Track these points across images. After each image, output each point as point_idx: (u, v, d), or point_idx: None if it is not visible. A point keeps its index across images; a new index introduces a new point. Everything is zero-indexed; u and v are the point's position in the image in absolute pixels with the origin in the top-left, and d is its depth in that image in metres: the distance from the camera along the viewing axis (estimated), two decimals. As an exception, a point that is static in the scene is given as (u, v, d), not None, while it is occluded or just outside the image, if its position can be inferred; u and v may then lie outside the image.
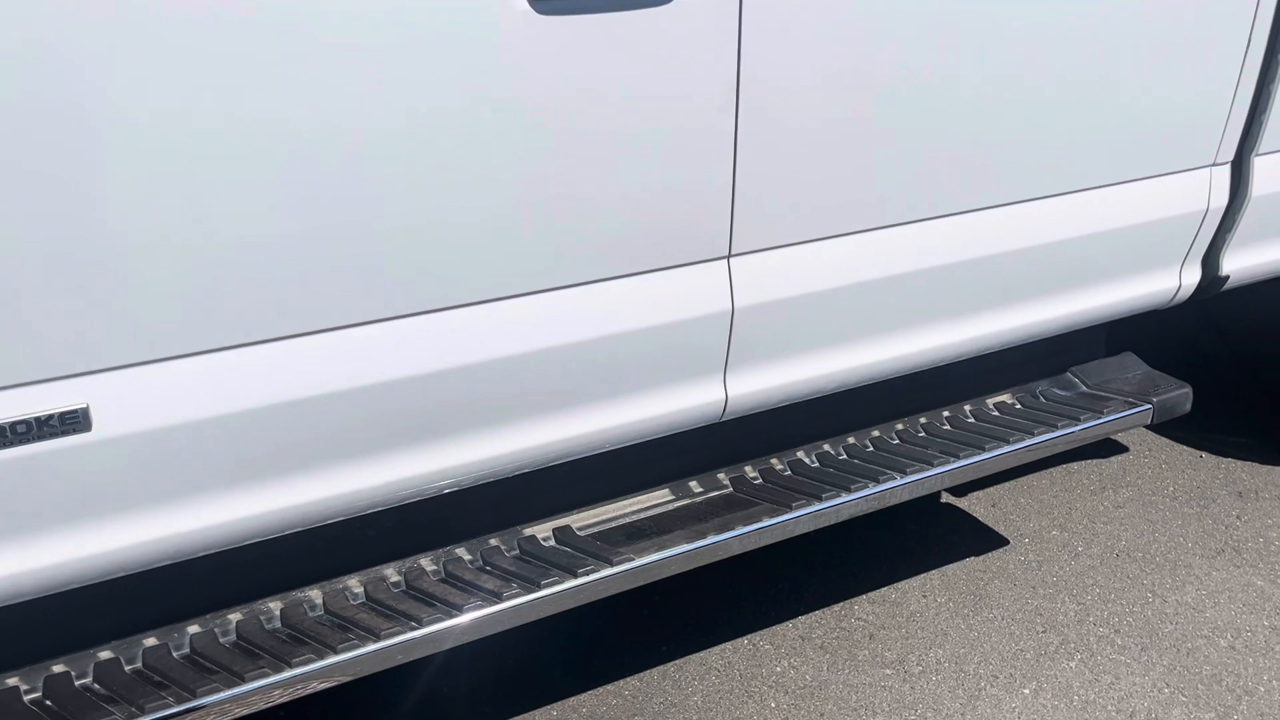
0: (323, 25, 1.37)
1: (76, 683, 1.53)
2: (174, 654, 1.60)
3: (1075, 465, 3.11)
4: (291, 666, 1.56)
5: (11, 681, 1.53)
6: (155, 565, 1.47)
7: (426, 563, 1.84)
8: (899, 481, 2.13)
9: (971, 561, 2.70)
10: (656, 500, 2.10)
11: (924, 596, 2.57)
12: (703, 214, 1.77)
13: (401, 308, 1.56)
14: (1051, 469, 3.09)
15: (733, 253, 1.83)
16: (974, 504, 2.95)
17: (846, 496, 2.07)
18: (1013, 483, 3.03)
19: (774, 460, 2.19)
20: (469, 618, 1.72)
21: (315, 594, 1.75)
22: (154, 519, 1.42)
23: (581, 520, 2.00)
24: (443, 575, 1.83)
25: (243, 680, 1.54)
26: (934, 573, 2.65)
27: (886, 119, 1.88)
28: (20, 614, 1.45)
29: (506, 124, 1.53)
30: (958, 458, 2.20)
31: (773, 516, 2.01)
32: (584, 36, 1.54)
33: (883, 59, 1.83)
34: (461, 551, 1.88)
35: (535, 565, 1.86)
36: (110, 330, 1.34)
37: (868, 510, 2.12)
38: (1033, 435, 2.29)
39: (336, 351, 1.50)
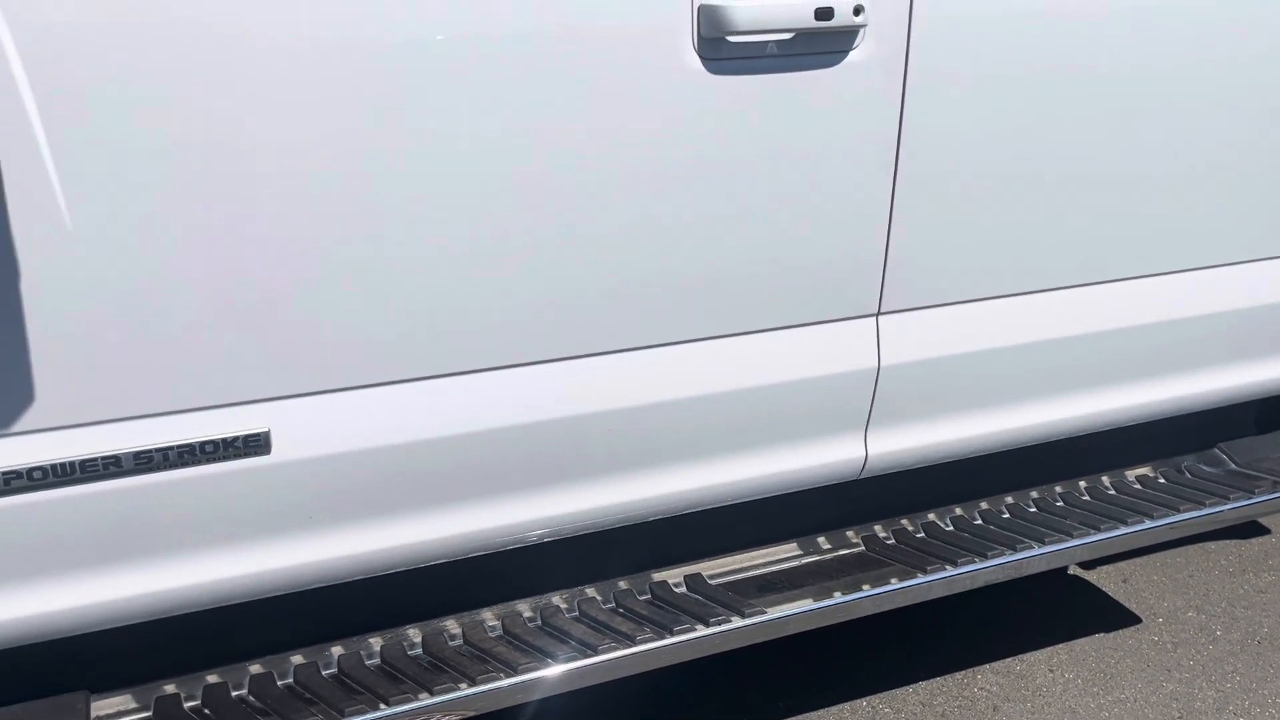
0: (505, 75, 1.43)
1: (233, 693, 1.59)
2: (322, 673, 1.66)
3: (1213, 544, 2.98)
4: (433, 694, 1.60)
5: (170, 689, 1.60)
6: (320, 584, 1.54)
7: (559, 600, 1.87)
8: (1036, 551, 2.08)
9: (1101, 638, 2.61)
10: (785, 554, 2.09)
11: (1050, 671, 2.49)
12: (854, 271, 1.78)
13: (560, 351, 1.60)
14: (1187, 547, 2.97)
15: (881, 310, 1.83)
16: (1103, 578, 2.85)
17: (982, 564, 2.03)
18: (1145, 558, 2.92)
19: (906, 521, 2.17)
20: (600, 659, 1.74)
21: (453, 625, 1.79)
22: (324, 540, 1.48)
23: (712, 569, 2.01)
24: (576, 614, 1.85)
25: (387, 704, 1.58)
26: (1061, 646, 2.57)
27: (1043, 182, 1.87)
28: (178, 626, 1.52)
29: (672, 176, 1.57)
30: (1098, 530, 2.14)
31: (905, 579, 1.99)
32: (753, 94, 1.58)
33: (1041, 123, 1.82)
34: (593, 592, 1.91)
35: (667, 611, 1.86)
36: (293, 360, 1.41)
37: (1002, 579, 2.08)
38: (1178, 512, 2.21)
39: (502, 390, 1.55)
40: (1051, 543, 2.09)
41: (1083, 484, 2.32)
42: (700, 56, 1.52)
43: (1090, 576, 2.85)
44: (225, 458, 1.38)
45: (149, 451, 1.35)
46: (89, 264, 1.28)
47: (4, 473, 1.29)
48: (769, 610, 1.87)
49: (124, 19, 1.23)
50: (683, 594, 1.93)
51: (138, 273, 1.30)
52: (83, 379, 1.32)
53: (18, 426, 1.30)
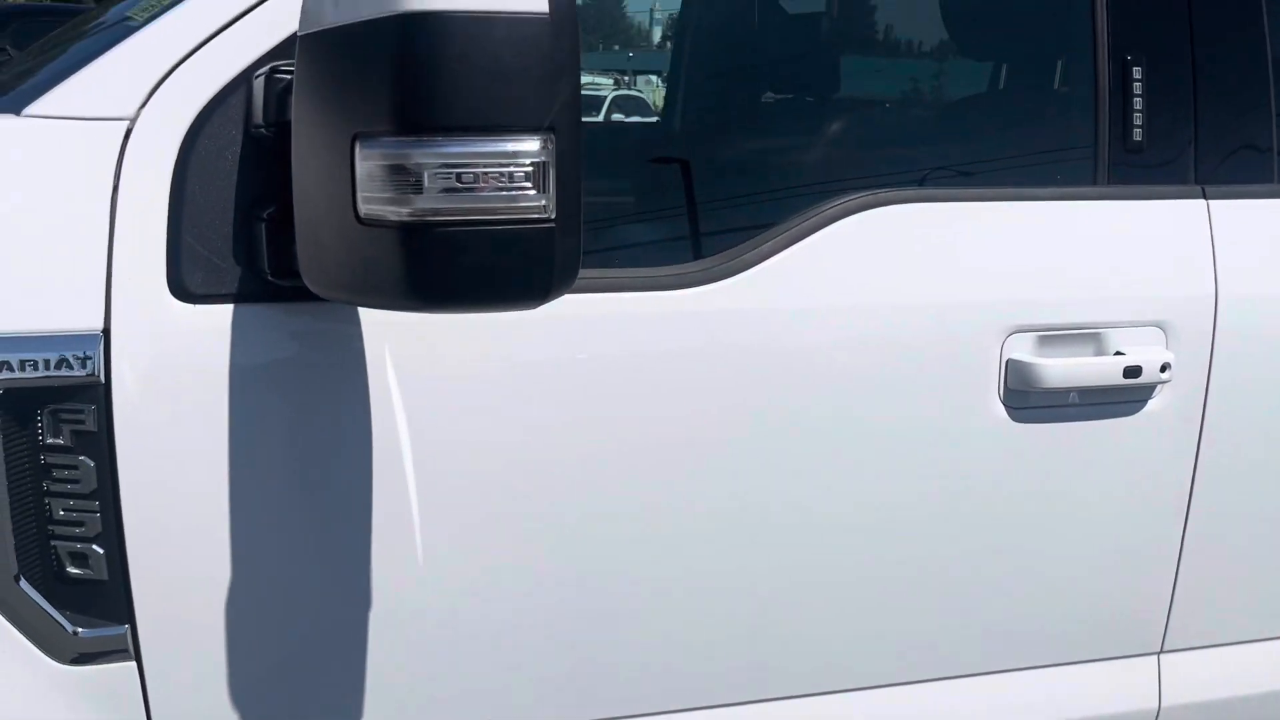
0: (827, 436, 1.53)
1: None
2: None
3: None
4: None
5: None
6: None
7: None
8: None
9: None
10: None
11: None
12: (1138, 610, 1.75)
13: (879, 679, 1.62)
14: None
15: (1164, 649, 1.78)
16: None
17: None
18: None
19: None
20: None
21: None
22: None
23: None
24: None
25: None
26: None
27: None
28: None
29: (977, 518, 1.62)
30: None
31: None
32: (1052, 441, 1.61)
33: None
34: None
35: None
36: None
37: None
38: None
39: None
40: None
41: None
42: (1005, 406, 1.57)
43: None
44: None
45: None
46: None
47: None
48: None
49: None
50: None
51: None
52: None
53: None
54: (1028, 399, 1.57)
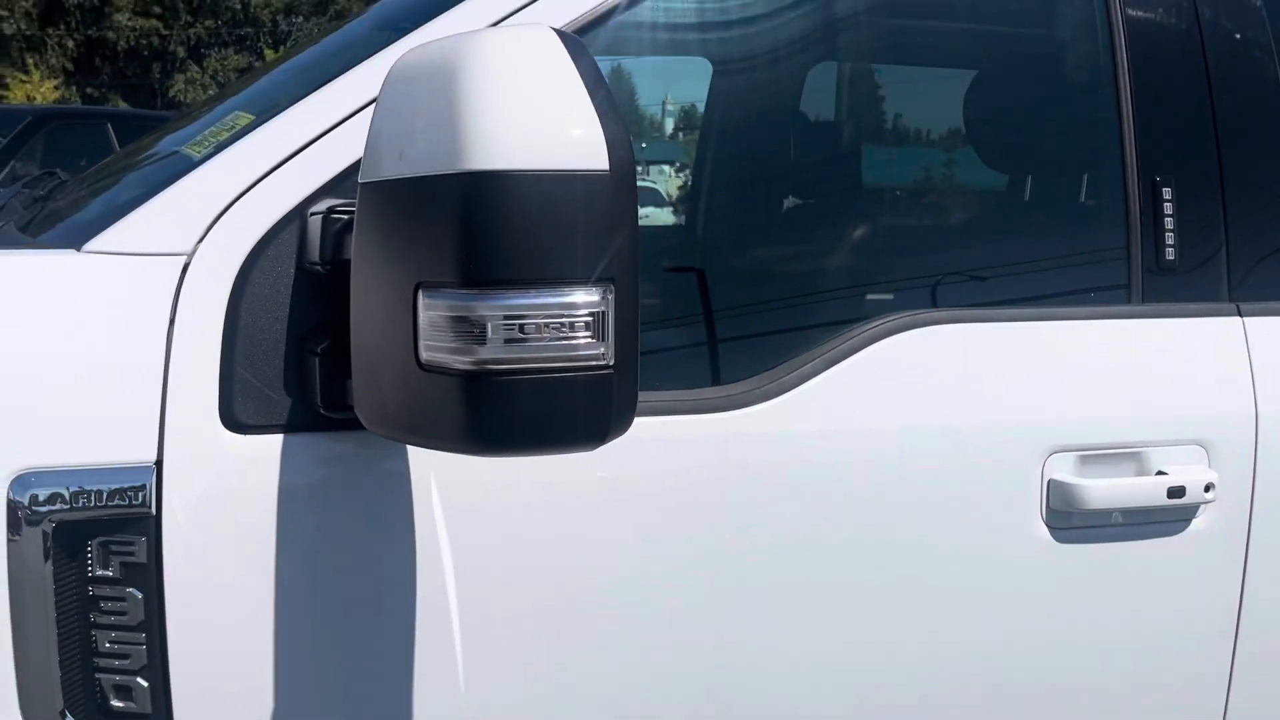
0: (871, 559, 1.52)
1: None
2: None
3: None
4: None
5: None
6: None
7: None
8: None
9: None
10: None
11: None
12: (1188, 725, 1.72)
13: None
14: None
15: (1216, 768, 1.74)
16: None
17: None
18: None
19: None
20: None
21: None
22: None
23: None
24: None
25: None
26: None
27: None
28: None
29: (1022, 640, 1.60)
30: None
31: None
32: (1094, 562, 1.60)
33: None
34: None
35: None
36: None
37: None
38: None
39: None
40: None
41: None
42: (1048, 526, 1.56)
43: None
44: None
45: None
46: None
47: None
48: None
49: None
50: None
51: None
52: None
53: None
54: (1070, 520, 1.57)
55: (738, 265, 2.30)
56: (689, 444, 1.44)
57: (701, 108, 3.10)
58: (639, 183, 1.08)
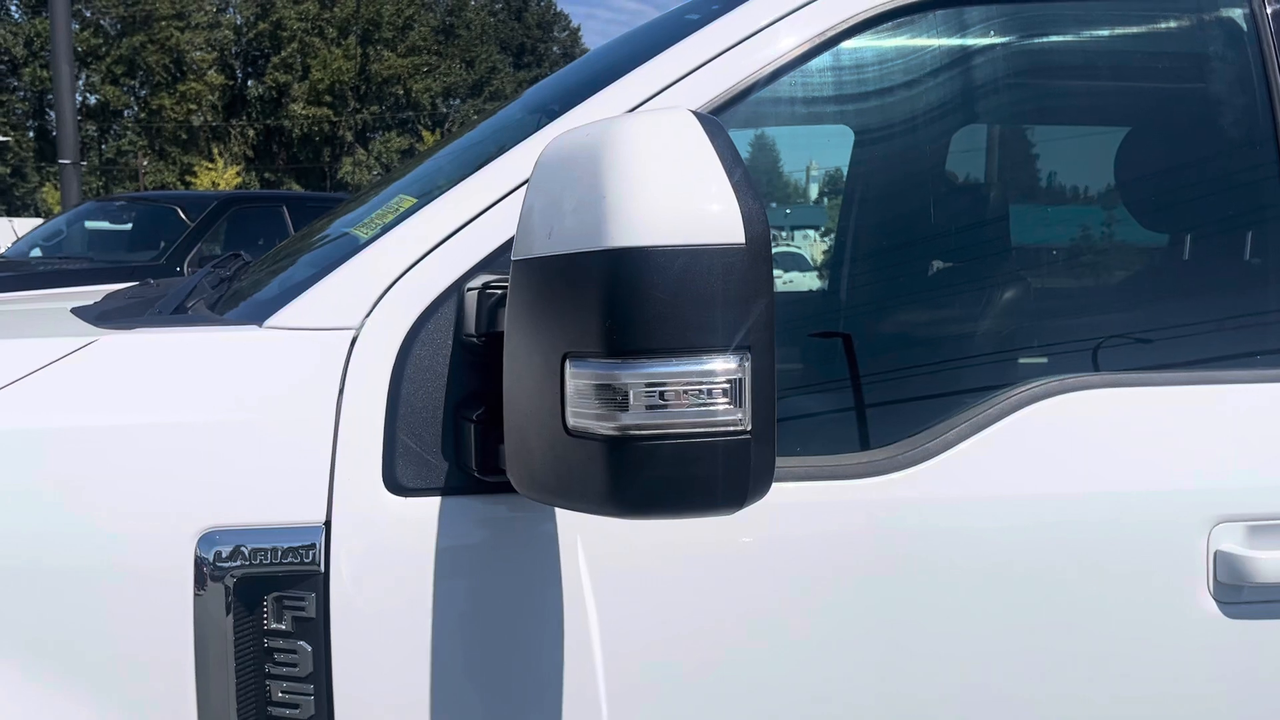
0: (1026, 629, 1.48)
1: None
2: None
3: None
4: None
5: None
6: None
7: None
8: None
9: None
10: None
11: None
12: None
13: None
14: None
15: None
16: None
17: None
18: None
19: None
20: None
21: None
22: None
23: None
24: None
25: None
26: None
27: None
28: None
29: (1178, 709, 1.52)
30: None
31: None
32: (1265, 639, 1.51)
33: None
34: None
35: None
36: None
37: None
38: None
39: None
40: None
41: None
42: (1216, 600, 1.49)
43: None
44: None
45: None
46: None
47: None
48: None
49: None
50: None
51: None
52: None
53: None
54: (1240, 594, 1.49)
55: (883, 330, 2.29)
56: (831, 509, 1.45)
57: (845, 172, 3.12)
58: (783, 248, 1.11)
